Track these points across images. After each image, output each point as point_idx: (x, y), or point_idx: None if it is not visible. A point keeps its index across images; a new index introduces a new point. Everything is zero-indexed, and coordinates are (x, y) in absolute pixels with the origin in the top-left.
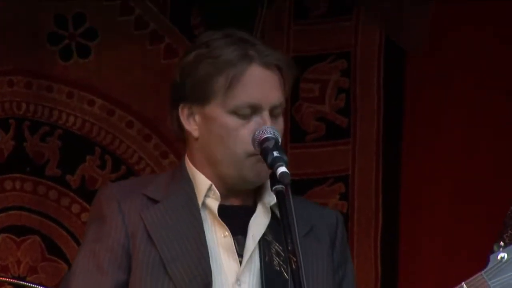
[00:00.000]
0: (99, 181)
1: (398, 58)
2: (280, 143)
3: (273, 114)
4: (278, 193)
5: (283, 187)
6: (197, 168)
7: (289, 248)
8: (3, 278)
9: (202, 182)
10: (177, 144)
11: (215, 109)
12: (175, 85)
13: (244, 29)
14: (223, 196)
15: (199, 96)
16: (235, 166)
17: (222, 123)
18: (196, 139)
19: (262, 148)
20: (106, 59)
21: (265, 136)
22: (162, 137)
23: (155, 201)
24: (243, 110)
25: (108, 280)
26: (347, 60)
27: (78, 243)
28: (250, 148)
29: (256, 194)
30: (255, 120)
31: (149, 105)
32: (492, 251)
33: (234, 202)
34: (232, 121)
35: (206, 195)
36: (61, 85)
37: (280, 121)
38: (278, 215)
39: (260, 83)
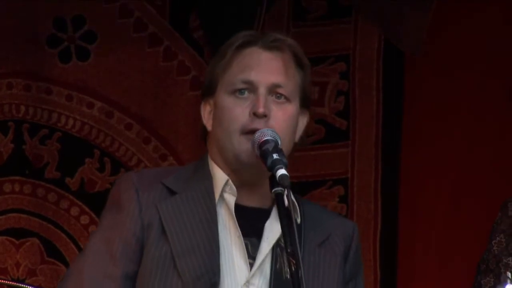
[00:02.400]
0: (98, 184)
1: (397, 60)
2: (279, 146)
3: (275, 96)
4: (277, 196)
5: (283, 189)
6: (215, 163)
7: (289, 250)
8: (2, 281)
9: (220, 177)
10: (176, 146)
11: (218, 94)
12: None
13: (242, 31)
14: (239, 193)
15: (210, 86)
16: (230, 145)
17: (221, 105)
18: (210, 132)
19: (262, 150)
20: (105, 62)
21: (265, 138)
22: (161, 139)
23: (173, 192)
24: (238, 86)
25: (119, 271)
26: (346, 62)
27: (77, 246)
28: (245, 125)
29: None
30: (251, 98)
31: (148, 108)
32: (501, 283)
33: (251, 203)
34: (229, 101)
35: (223, 190)
36: (60, 88)
37: (287, 108)
38: (295, 218)
39: (257, 62)
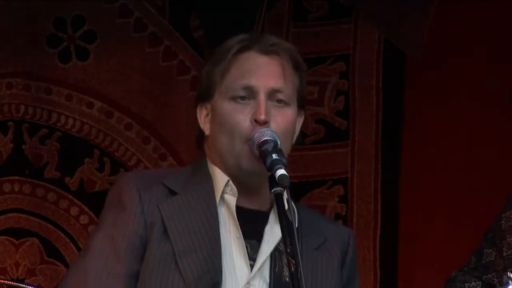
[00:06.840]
0: (98, 183)
1: (397, 60)
2: (279, 146)
3: (275, 101)
4: (276, 196)
5: (282, 189)
6: (214, 164)
7: (288, 250)
8: (2, 281)
9: (220, 178)
10: (176, 146)
11: (217, 100)
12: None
13: (243, 31)
14: (240, 194)
15: (207, 91)
16: (232, 154)
17: (221, 111)
18: (208, 136)
19: (261, 150)
20: (105, 62)
21: (264, 138)
22: (161, 139)
23: (174, 193)
24: (238, 93)
25: (124, 268)
26: (346, 62)
27: (77, 246)
28: (247, 132)
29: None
30: (251, 104)
31: (148, 108)
32: (503, 283)
33: (251, 205)
34: (229, 106)
35: (224, 191)
36: (60, 88)
37: (287, 112)
38: (292, 220)
39: (255, 66)
